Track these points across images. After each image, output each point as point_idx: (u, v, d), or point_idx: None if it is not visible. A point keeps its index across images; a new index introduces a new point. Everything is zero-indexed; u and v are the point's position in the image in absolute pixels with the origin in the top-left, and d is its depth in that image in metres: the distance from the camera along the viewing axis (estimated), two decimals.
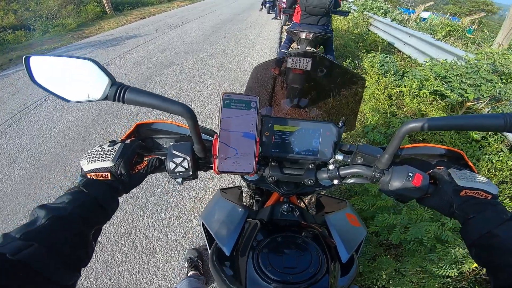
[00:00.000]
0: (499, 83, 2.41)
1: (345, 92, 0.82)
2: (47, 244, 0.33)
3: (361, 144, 0.59)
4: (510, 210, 0.45)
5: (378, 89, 2.84)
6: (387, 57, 3.49)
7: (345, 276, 0.61)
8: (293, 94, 0.89)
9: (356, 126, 2.54)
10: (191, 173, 0.52)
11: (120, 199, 0.51)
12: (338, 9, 3.18)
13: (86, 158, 0.47)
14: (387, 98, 2.73)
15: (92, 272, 1.58)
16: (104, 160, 0.46)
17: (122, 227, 1.84)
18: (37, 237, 0.33)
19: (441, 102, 2.57)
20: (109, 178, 0.46)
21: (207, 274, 1.53)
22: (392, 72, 3.06)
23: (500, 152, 2.05)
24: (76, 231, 0.37)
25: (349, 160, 0.60)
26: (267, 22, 8.31)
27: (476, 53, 3.04)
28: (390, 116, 2.42)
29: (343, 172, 0.59)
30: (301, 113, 0.89)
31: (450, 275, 1.22)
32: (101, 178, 0.46)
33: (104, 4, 10.08)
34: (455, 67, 2.80)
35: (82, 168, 0.47)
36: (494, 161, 2.00)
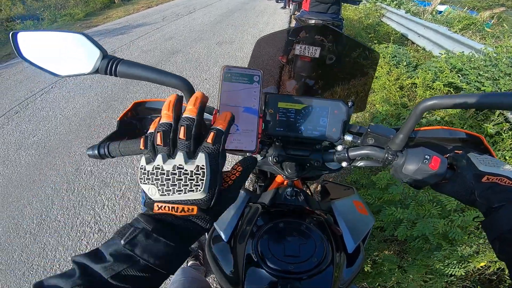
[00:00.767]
0: None
1: (356, 69, 0.77)
2: None
3: (372, 124, 0.53)
4: None
5: (389, 80, 2.75)
6: (399, 48, 3.37)
7: (350, 267, 0.57)
8: (302, 77, 0.84)
9: (365, 117, 2.49)
10: None
11: None
12: None
13: (156, 183, 0.31)
14: (398, 89, 2.65)
15: None
16: (190, 190, 0.30)
17: None
18: None
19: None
20: (195, 213, 0.31)
21: (207, 265, 1.51)
22: (405, 63, 2.96)
23: None
24: None
25: (358, 142, 0.55)
26: (275, 11, 8.14)
27: (495, 47, 2.91)
28: (400, 107, 2.34)
29: (352, 153, 0.54)
30: (308, 93, 0.84)
31: (455, 274, 1.17)
32: (180, 214, 0.31)
33: None
34: (472, 59, 2.71)
35: (145, 195, 0.33)
36: (507, 157, 1.92)
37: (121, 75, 0.39)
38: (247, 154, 0.54)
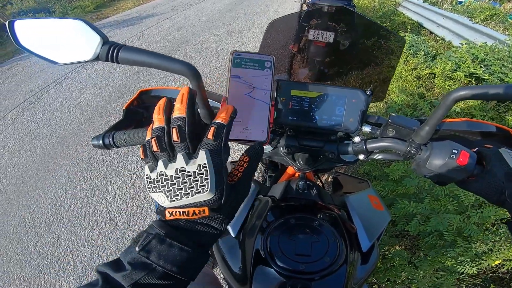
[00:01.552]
0: None
1: (377, 55, 0.72)
2: None
3: (393, 114, 0.49)
4: None
5: (405, 70, 2.65)
6: (417, 37, 3.23)
7: (364, 266, 0.54)
8: (316, 63, 0.80)
9: (379, 107, 2.40)
10: None
11: None
12: None
13: (163, 189, 0.30)
14: (415, 79, 2.55)
15: (104, 251, 1.62)
16: (197, 192, 0.29)
17: None
18: None
19: None
20: (207, 214, 0.30)
21: (214, 256, 1.51)
22: (423, 53, 2.85)
23: None
24: None
25: (377, 133, 0.51)
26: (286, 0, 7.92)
27: None
28: (417, 97, 2.25)
29: (371, 145, 0.50)
30: (322, 80, 0.80)
31: (468, 272, 1.13)
32: (192, 217, 0.30)
33: None
34: (496, 50, 2.63)
35: (157, 203, 0.32)
36: None
37: (123, 61, 0.38)
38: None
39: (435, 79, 2.54)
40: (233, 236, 0.55)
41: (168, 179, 0.29)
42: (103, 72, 3.66)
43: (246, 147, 0.38)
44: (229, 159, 0.39)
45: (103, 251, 1.60)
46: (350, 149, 0.53)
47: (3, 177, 2.20)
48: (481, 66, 2.45)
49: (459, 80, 2.41)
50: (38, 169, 2.22)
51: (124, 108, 0.64)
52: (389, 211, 0.65)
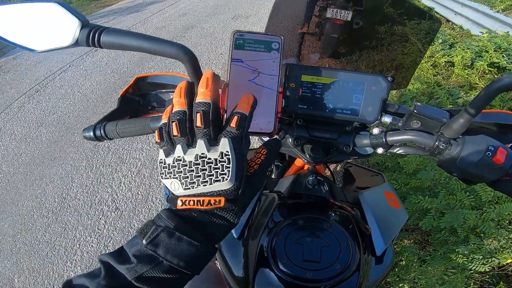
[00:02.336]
0: None
1: (402, 38, 0.65)
2: None
3: (419, 104, 0.43)
4: None
5: (421, 57, 2.53)
6: (433, 24, 3.08)
7: (377, 270, 0.49)
8: (332, 40, 0.74)
9: (391, 94, 2.30)
10: None
11: None
12: None
13: (179, 176, 0.28)
14: (431, 67, 2.44)
15: (110, 241, 1.62)
16: (216, 180, 0.27)
17: None
18: None
19: (496, 76, 2.27)
20: (222, 205, 0.28)
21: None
22: (440, 40, 2.76)
23: None
24: None
25: (399, 124, 0.45)
26: None
27: None
28: (433, 85, 2.16)
29: (392, 138, 0.44)
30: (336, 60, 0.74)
31: (479, 270, 1.08)
32: (207, 207, 0.28)
33: None
34: None
35: (168, 189, 0.30)
36: None
37: (106, 45, 0.35)
38: (263, 136, 0.47)
39: (452, 68, 2.45)
40: (236, 237, 0.50)
41: (186, 165, 0.28)
42: (107, 59, 3.62)
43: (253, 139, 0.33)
44: None
45: (109, 241, 1.60)
46: (367, 141, 0.47)
47: (10, 166, 2.22)
48: (503, 56, 2.38)
49: (477, 69, 2.33)
50: (44, 157, 2.23)
51: (119, 96, 0.59)
52: (405, 209, 0.59)
